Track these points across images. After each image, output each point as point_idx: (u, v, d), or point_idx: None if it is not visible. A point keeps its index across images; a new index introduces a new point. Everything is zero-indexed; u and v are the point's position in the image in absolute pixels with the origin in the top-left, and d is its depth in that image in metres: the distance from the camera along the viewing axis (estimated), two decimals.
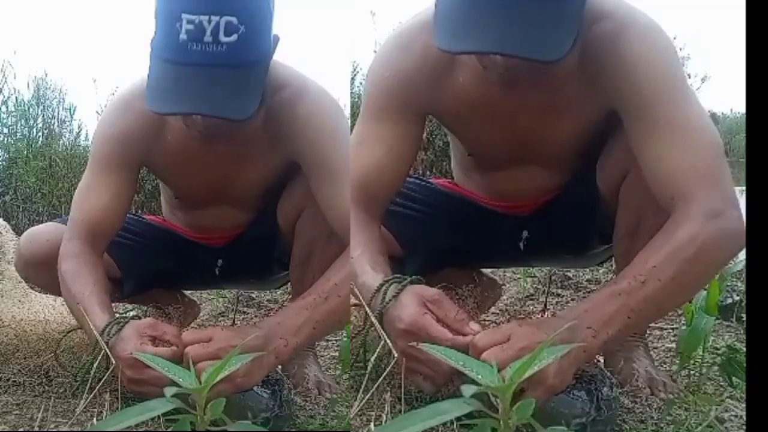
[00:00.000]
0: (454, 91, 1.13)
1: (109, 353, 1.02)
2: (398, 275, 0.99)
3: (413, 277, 0.99)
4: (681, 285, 0.94)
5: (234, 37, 1.01)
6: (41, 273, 1.34)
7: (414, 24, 1.14)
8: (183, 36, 1.00)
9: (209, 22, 1.00)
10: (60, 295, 1.30)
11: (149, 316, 1.43)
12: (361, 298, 1.00)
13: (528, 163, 1.23)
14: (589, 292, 1.91)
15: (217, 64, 1.01)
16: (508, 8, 0.91)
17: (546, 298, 1.70)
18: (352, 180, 1.12)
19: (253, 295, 2.00)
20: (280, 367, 1.09)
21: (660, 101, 1.01)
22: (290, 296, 1.60)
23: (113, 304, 1.21)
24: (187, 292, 1.65)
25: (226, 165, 1.26)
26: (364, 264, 1.02)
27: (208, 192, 1.33)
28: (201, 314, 1.74)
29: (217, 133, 1.17)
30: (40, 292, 1.36)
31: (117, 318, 1.07)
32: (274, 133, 1.20)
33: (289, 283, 1.50)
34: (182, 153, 1.24)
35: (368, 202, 1.12)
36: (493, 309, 1.59)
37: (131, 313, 1.53)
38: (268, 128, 1.20)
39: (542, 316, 1.53)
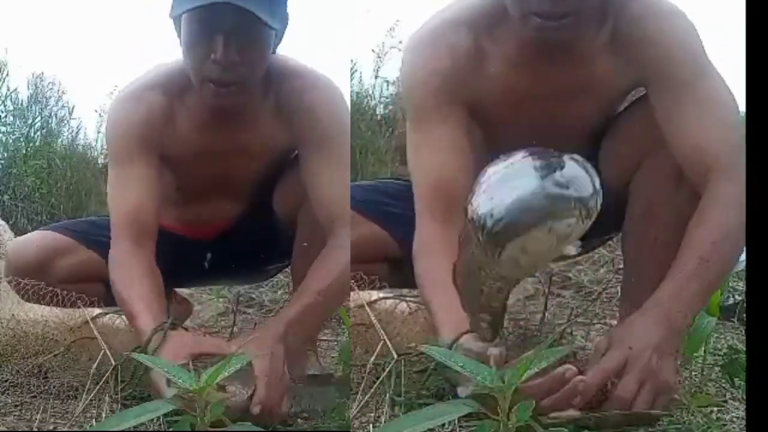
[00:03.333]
0: (486, 84, 1.13)
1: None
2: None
3: None
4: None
5: None
6: (32, 280, 1.33)
7: (439, 23, 1.14)
8: None
9: None
10: (51, 304, 1.30)
11: None
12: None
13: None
14: (589, 293, 1.91)
15: None
16: None
17: (546, 298, 1.70)
18: (425, 188, 1.10)
19: (254, 296, 2.00)
20: None
21: (691, 76, 1.05)
22: (290, 292, 1.60)
23: (109, 306, 1.22)
24: (185, 292, 1.65)
25: (233, 153, 1.27)
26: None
27: (213, 180, 1.33)
28: (204, 316, 1.74)
29: (227, 109, 1.19)
30: (30, 301, 1.34)
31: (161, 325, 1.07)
32: (283, 119, 1.23)
33: (288, 283, 1.50)
34: (192, 140, 1.26)
35: (446, 210, 1.08)
36: None
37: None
38: (278, 115, 1.23)
39: (542, 316, 1.53)
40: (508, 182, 0.69)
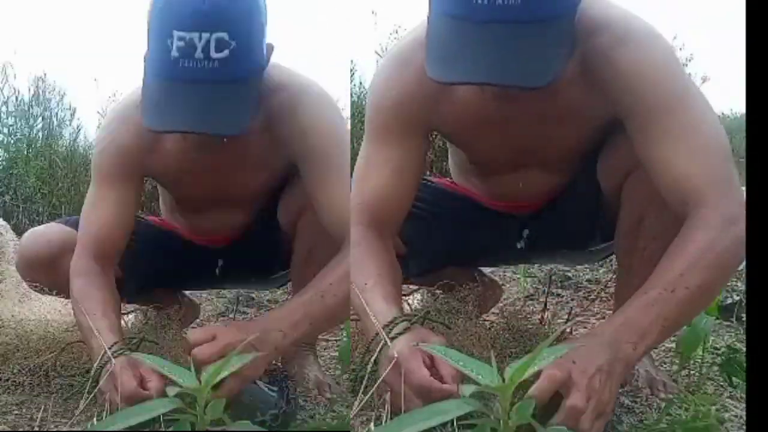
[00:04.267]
0: (456, 106, 1.13)
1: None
2: (407, 315, 1.00)
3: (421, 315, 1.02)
4: (706, 291, 0.95)
5: (225, 52, 1.02)
6: (43, 273, 1.35)
7: (411, 41, 1.13)
8: (174, 53, 1.01)
9: (200, 39, 1.01)
10: (61, 295, 1.31)
11: (151, 318, 1.44)
12: (372, 328, 0.99)
13: (529, 167, 1.23)
14: (588, 292, 1.91)
15: (210, 80, 1.02)
16: (497, 37, 0.91)
17: (546, 298, 1.70)
18: (361, 203, 1.12)
19: (253, 295, 2.00)
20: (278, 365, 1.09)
21: (663, 109, 1.00)
22: (290, 292, 1.60)
23: None
24: (188, 293, 1.65)
25: (226, 170, 1.26)
26: (376, 296, 1.01)
27: (209, 196, 1.33)
28: (201, 314, 1.74)
29: (215, 142, 1.17)
30: (40, 293, 1.36)
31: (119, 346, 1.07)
32: (274, 135, 1.21)
33: (289, 283, 1.50)
34: (182, 161, 1.25)
35: (380, 226, 1.12)
36: (492, 309, 1.59)
37: (131, 315, 1.53)
38: (269, 131, 1.20)
39: (543, 316, 1.53)
40: None
